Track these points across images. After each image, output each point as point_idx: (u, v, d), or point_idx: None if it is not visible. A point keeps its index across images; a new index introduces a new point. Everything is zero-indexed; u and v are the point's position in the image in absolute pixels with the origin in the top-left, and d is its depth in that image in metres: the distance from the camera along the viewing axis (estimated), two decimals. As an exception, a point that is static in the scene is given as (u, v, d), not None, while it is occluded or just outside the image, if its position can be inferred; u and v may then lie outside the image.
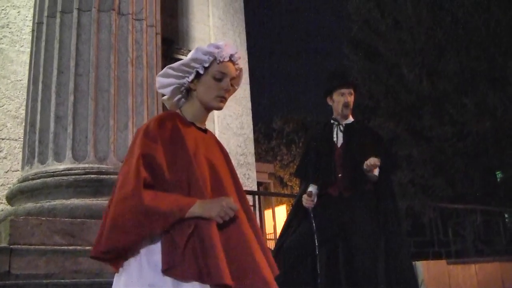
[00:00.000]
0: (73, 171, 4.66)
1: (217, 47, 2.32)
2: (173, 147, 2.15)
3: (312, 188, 4.35)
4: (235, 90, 2.47)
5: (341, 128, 4.53)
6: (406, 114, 17.23)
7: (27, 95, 5.23)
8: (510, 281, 9.11)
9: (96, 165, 4.73)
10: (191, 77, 2.30)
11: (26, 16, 7.25)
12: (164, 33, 6.38)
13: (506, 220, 13.72)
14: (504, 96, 15.19)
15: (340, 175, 4.36)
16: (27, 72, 5.58)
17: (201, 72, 2.30)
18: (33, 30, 5.40)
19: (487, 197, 15.41)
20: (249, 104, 9.53)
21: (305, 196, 4.28)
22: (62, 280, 3.82)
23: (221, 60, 2.31)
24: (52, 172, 4.68)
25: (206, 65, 2.30)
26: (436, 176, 16.24)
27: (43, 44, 5.11)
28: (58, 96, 4.88)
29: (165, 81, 2.34)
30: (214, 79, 2.30)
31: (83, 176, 4.64)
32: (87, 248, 4.08)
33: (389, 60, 17.58)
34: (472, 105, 15.55)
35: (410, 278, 4.26)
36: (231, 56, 2.35)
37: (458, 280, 8.25)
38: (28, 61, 5.64)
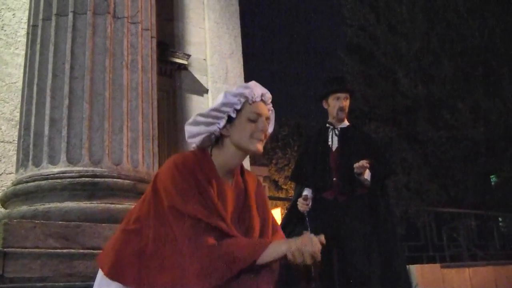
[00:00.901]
0: (67, 174, 4.64)
1: (246, 87, 2.24)
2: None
3: (307, 192, 4.36)
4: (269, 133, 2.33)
5: (336, 132, 4.56)
6: (401, 119, 17.28)
7: (22, 98, 5.21)
8: (503, 285, 9.13)
9: (91, 168, 4.72)
10: (222, 122, 2.19)
11: (21, 19, 7.24)
12: (160, 36, 6.37)
13: (500, 224, 13.76)
14: (499, 101, 15.26)
15: (335, 179, 4.38)
16: (22, 75, 5.57)
17: (233, 115, 2.19)
18: (28, 33, 5.39)
19: (482, 202, 15.46)
20: (244, 108, 9.53)
21: (300, 200, 4.29)
22: (56, 284, 3.81)
23: (254, 100, 2.22)
24: (46, 175, 4.66)
25: (238, 107, 2.20)
26: (431, 180, 16.29)
27: (38, 47, 5.10)
28: (53, 99, 4.87)
29: (195, 130, 2.23)
30: (249, 120, 2.20)
31: (78, 179, 4.63)
32: (82, 251, 4.08)
33: (384, 64, 17.64)
34: (467, 110, 15.61)
35: (404, 282, 4.27)
36: (262, 95, 2.27)
37: (453, 284, 8.27)
38: (23, 63, 5.62)
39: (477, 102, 15.66)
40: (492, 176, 17.30)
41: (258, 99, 2.24)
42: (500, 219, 13.71)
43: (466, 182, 16.17)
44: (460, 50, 16.62)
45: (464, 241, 10.84)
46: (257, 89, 2.25)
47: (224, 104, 2.19)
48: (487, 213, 12.54)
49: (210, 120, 2.20)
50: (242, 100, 2.20)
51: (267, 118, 2.27)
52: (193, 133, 2.24)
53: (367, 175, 4.27)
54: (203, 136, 2.22)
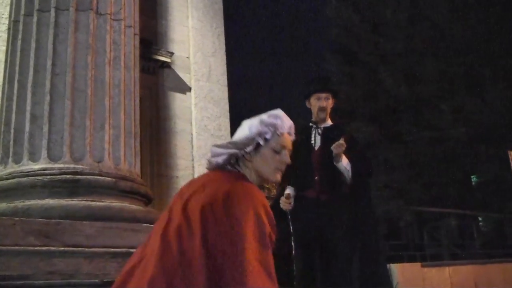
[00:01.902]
0: (48, 171, 4.61)
1: (278, 117, 2.29)
2: None
3: (289, 190, 4.37)
4: None
5: (319, 131, 4.58)
6: (384, 119, 17.38)
7: (2, 94, 5.16)
8: (483, 284, 9.22)
9: (72, 165, 4.69)
10: (250, 148, 2.25)
11: (3, 14, 7.16)
12: (143, 34, 6.35)
13: (480, 224, 13.90)
14: (480, 102, 15.40)
15: (317, 177, 4.39)
16: (2, 71, 5.51)
17: (262, 144, 2.25)
18: (9, 28, 5.34)
19: (463, 201, 15.59)
20: (227, 106, 9.53)
21: (283, 199, 4.29)
22: (36, 282, 3.77)
23: (282, 132, 2.28)
24: (27, 172, 4.63)
25: (268, 137, 2.26)
26: (413, 180, 16.40)
27: (19, 42, 5.06)
28: (34, 95, 4.83)
29: (221, 151, 2.27)
30: (274, 151, 2.27)
31: (59, 176, 4.60)
32: (62, 249, 4.04)
33: (368, 64, 17.72)
34: (449, 111, 15.73)
35: (384, 281, 4.30)
36: (289, 128, 2.34)
37: (433, 283, 8.33)
38: (3, 59, 5.57)
39: (459, 103, 15.79)
40: (473, 176, 17.45)
41: (286, 131, 2.31)
42: (480, 218, 13.85)
43: (448, 182, 16.30)
44: (443, 51, 16.75)
45: (444, 241, 10.92)
46: (286, 121, 2.32)
47: (258, 134, 2.24)
48: (468, 212, 12.66)
49: (241, 146, 2.26)
50: (272, 130, 2.27)
51: (289, 150, 2.34)
52: (218, 153, 2.28)
53: (346, 164, 4.29)
54: (226, 156, 2.27)
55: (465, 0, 16.50)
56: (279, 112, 2.34)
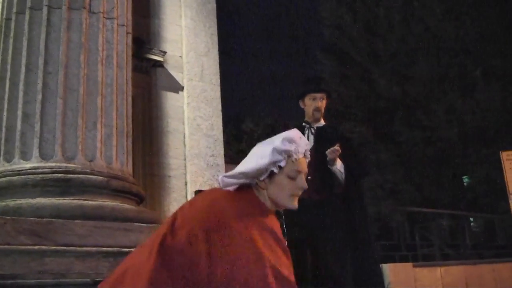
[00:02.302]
0: (40, 170, 4.59)
1: (292, 141, 2.20)
2: None
3: None
4: None
5: (312, 131, 4.58)
6: (377, 119, 17.41)
7: (-6, 92, 5.14)
8: (474, 284, 9.26)
9: (64, 164, 4.67)
10: (263, 177, 2.17)
11: (-5, 12, 7.13)
12: (136, 33, 6.34)
13: (472, 224, 13.95)
14: (472, 102, 15.45)
15: (309, 177, 4.38)
16: (-6, 69, 5.48)
17: (276, 171, 2.17)
18: (0, 26, 5.31)
19: (454, 202, 15.65)
20: (219, 106, 9.51)
21: None
22: (27, 281, 3.76)
23: (297, 158, 2.20)
24: (18, 171, 4.60)
25: (282, 164, 2.17)
26: (405, 180, 16.44)
27: (11, 41, 5.03)
28: (26, 94, 4.81)
29: (232, 181, 2.19)
30: (289, 177, 2.18)
31: (50, 175, 4.57)
32: (53, 248, 4.03)
33: (360, 65, 17.75)
34: (441, 112, 15.78)
35: (376, 281, 4.30)
36: (304, 150, 2.26)
37: (424, 283, 8.35)
38: (-5, 58, 5.54)
39: (451, 104, 15.85)
40: (464, 177, 17.51)
41: (301, 155, 2.23)
42: (471, 219, 13.90)
43: (439, 183, 16.35)
44: (435, 53, 16.81)
45: (436, 241, 10.95)
46: (302, 145, 2.23)
47: (271, 163, 2.15)
48: (459, 213, 12.70)
49: (252, 175, 2.17)
50: (287, 157, 2.18)
51: (305, 173, 2.26)
52: (229, 183, 2.20)
53: (340, 166, 4.30)
54: (236, 186, 2.19)
55: (457, 1, 16.56)
56: (294, 135, 2.25)
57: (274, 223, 2.17)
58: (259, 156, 2.19)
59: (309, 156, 2.30)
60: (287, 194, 2.19)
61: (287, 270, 2.09)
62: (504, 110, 15.19)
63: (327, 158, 4.23)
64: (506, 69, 15.85)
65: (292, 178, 2.18)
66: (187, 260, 1.96)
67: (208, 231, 2.02)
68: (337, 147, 4.18)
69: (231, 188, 2.19)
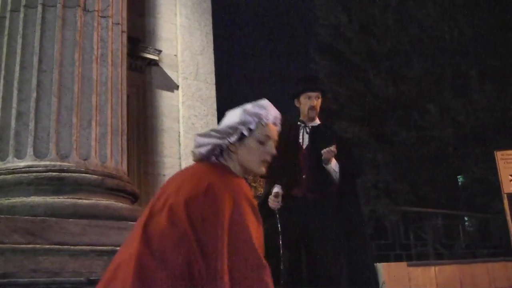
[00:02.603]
0: (34, 169, 4.58)
1: (263, 107, 2.25)
2: None
3: (278, 189, 4.36)
4: None
5: (307, 130, 4.58)
6: (371, 119, 17.43)
7: (-12, 91, 5.12)
8: (467, 283, 9.29)
9: (58, 163, 4.67)
10: (234, 138, 2.19)
11: (-11, 10, 7.10)
12: (131, 31, 6.33)
13: (466, 223, 13.99)
14: (467, 102, 15.49)
15: (304, 176, 4.39)
16: (-12, 67, 5.46)
17: (246, 134, 2.20)
18: (-5, 24, 5.30)
19: (449, 201, 15.68)
20: (214, 105, 9.53)
21: (271, 197, 4.28)
22: (21, 280, 3.75)
23: (267, 122, 2.24)
24: (12, 169, 4.59)
25: (252, 127, 2.21)
26: (400, 180, 16.46)
27: (5, 39, 5.02)
28: (20, 92, 4.80)
29: (205, 141, 2.21)
30: (259, 142, 2.21)
31: (44, 173, 4.57)
32: (47, 246, 4.02)
33: (355, 64, 17.76)
34: (436, 111, 15.81)
35: (371, 280, 4.30)
36: (275, 118, 2.29)
37: (418, 282, 8.37)
38: (-11, 56, 5.52)
39: (446, 103, 15.88)
40: (459, 177, 17.54)
41: (271, 121, 2.26)
42: (466, 218, 13.94)
43: (434, 182, 16.38)
44: (430, 52, 16.83)
45: (430, 240, 10.98)
46: (271, 111, 2.27)
47: (241, 123, 2.19)
48: (454, 212, 12.73)
49: (223, 135, 2.20)
50: (257, 120, 2.21)
51: (275, 141, 2.29)
52: (201, 143, 2.22)
53: (334, 165, 4.30)
54: (210, 146, 2.21)
55: (452, 1, 16.59)
56: (264, 102, 2.29)
57: (248, 189, 2.17)
58: (230, 117, 2.23)
59: (279, 125, 2.33)
60: (257, 159, 2.21)
61: (261, 248, 2.09)
62: (498, 110, 15.22)
63: (322, 158, 4.23)
64: (501, 69, 15.89)
65: (262, 143, 2.21)
66: (170, 241, 1.97)
67: (190, 206, 2.02)
68: (333, 147, 4.18)
69: (203, 151, 2.21)
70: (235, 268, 1.95)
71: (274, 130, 2.29)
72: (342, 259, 4.18)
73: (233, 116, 2.22)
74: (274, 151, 2.26)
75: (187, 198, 2.03)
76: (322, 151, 4.20)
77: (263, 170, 2.26)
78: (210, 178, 2.10)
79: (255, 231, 2.07)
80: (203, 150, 2.21)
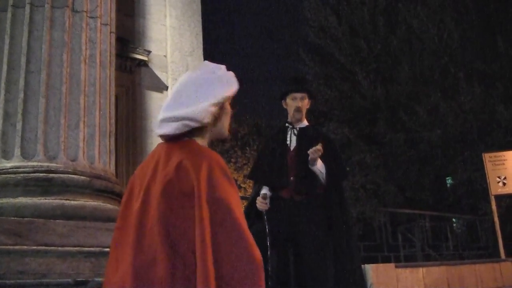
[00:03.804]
0: (21, 169, 4.56)
1: (232, 80, 2.24)
2: None
3: (266, 190, 4.36)
4: None
5: (295, 131, 4.57)
6: (360, 120, 17.47)
7: (-25, 91, 5.09)
8: (455, 285, 9.33)
9: (46, 164, 4.65)
10: (218, 106, 2.17)
11: (-23, 10, 7.07)
12: (120, 32, 6.32)
13: (454, 225, 14.05)
14: (455, 104, 15.57)
15: (292, 178, 4.39)
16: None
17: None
18: (-18, 24, 5.27)
19: (437, 203, 15.75)
20: (204, 106, 9.52)
21: (259, 199, 4.28)
22: (7, 281, 3.73)
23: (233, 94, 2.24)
24: (-1, 170, 4.58)
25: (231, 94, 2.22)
26: (388, 181, 16.51)
27: (-7, 39, 5.00)
28: (8, 92, 4.78)
29: (214, 110, 2.13)
30: (226, 113, 2.22)
31: (32, 174, 4.55)
32: (34, 248, 4.00)
33: (344, 66, 17.80)
34: (424, 113, 15.88)
35: (359, 282, 4.31)
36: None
37: (406, 284, 8.40)
38: (-24, 56, 5.49)
39: (434, 105, 15.95)
40: (447, 178, 17.62)
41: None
42: (454, 220, 14.00)
43: (422, 184, 16.44)
44: (419, 54, 16.92)
45: (418, 242, 11.03)
46: (236, 83, 2.26)
47: (224, 98, 2.16)
48: (442, 214, 12.79)
49: (218, 104, 2.15)
50: (232, 83, 2.22)
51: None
52: (210, 113, 2.12)
53: (320, 166, 4.30)
54: (213, 117, 2.14)
55: (441, 4, 16.69)
56: (230, 73, 2.27)
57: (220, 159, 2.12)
58: (227, 85, 2.19)
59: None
60: (227, 127, 2.23)
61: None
62: (486, 112, 15.33)
63: (309, 158, 4.23)
64: (488, 71, 16.01)
65: (227, 113, 2.23)
66: (162, 234, 1.91)
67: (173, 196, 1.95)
68: (319, 147, 4.18)
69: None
70: (221, 276, 1.84)
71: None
72: (329, 261, 4.18)
73: (229, 84, 2.20)
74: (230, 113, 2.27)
75: (163, 184, 1.97)
76: (309, 151, 4.20)
77: (228, 133, 2.26)
78: (181, 156, 2.02)
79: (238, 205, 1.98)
80: (209, 119, 2.12)
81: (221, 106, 2.17)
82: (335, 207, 4.36)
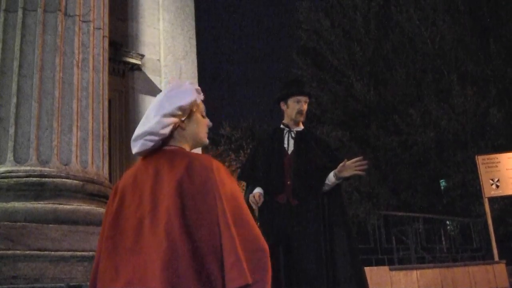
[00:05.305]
0: (14, 174, 4.54)
1: (193, 85, 2.39)
2: None
3: (258, 190, 4.34)
4: None
5: (293, 135, 4.53)
6: (353, 123, 17.51)
7: (-33, 96, 5.08)
8: (449, 287, 9.35)
9: (39, 168, 4.63)
10: (185, 116, 2.31)
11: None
12: (113, 36, 6.31)
13: (448, 227, 14.08)
14: (448, 107, 15.62)
15: (288, 182, 4.36)
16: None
17: (194, 110, 2.34)
18: (-25, 29, 5.26)
19: (431, 205, 15.78)
20: (198, 110, 9.53)
21: (251, 196, 4.26)
22: (0, 286, 3.72)
23: (202, 98, 2.39)
24: (-8, 175, 4.56)
25: (198, 101, 2.35)
26: (382, 184, 16.54)
27: (-15, 43, 4.98)
28: (0, 97, 4.76)
29: (168, 121, 2.27)
30: (202, 116, 2.37)
31: (25, 179, 4.54)
32: (27, 252, 3.99)
33: (337, 69, 17.85)
34: (418, 116, 15.92)
35: (361, 283, 4.27)
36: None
37: (400, 286, 8.41)
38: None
39: (427, 108, 16.00)
40: (441, 181, 17.67)
41: (202, 97, 2.41)
42: (448, 222, 14.03)
43: (416, 186, 16.48)
44: (412, 57, 16.98)
45: (412, 244, 11.04)
46: (199, 89, 2.41)
47: (190, 102, 2.29)
48: (435, 216, 12.82)
49: (179, 112, 2.28)
50: (197, 96, 2.35)
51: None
52: (166, 124, 2.26)
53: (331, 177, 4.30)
54: (172, 126, 2.26)
55: (434, 7, 16.75)
56: (187, 84, 2.41)
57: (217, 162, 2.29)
58: (179, 96, 2.31)
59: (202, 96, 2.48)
60: (204, 130, 2.38)
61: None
62: (479, 114, 15.39)
63: (348, 175, 4.25)
64: (481, 74, 16.08)
65: (203, 116, 2.39)
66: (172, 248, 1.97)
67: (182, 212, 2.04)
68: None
69: (167, 131, 2.26)
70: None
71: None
72: (324, 264, 4.16)
73: (185, 92, 2.32)
74: (210, 122, 2.43)
75: (177, 183, 2.08)
76: (340, 166, 4.20)
77: (207, 140, 2.42)
78: (187, 159, 2.17)
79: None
80: (166, 131, 2.26)
81: (185, 115, 2.30)
82: (335, 211, 4.33)
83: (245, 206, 2.12)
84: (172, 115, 2.26)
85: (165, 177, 2.12)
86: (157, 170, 2.18)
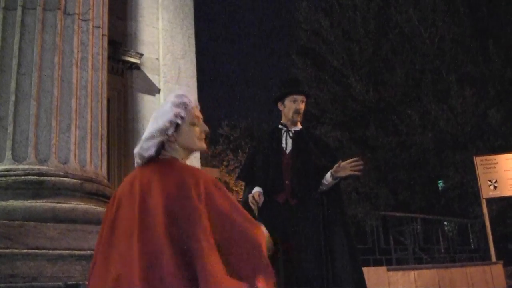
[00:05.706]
0: (12, 172, 4.54)
1: (184, 96, 2.49)
2: None
3: (258, 189, 4.33)
4: None
5: (291, 134, 4.52)
6: (352, 123, 17.51)
7: (-34, 94, 5.07)
8: (446, 287, 9.36)
9: (37, 167, 4.63)
10: (171, 130, 2.40)
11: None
12: (112, 35, 6.30)
13: (446, 228, 14.10)
14: (446, 108, 15.63)
15: (287, 182, 4.35)
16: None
17: (180, 122, 2.42)
18: (-26, 27, 5.25)
19: (429, 206, 15.79)
20: (196, 109, 9.51)
21: (250, 196, 4.26)
22: (-2, 285, 3.72)
23: (192, 106, 2.47)
24: (-10, 173, 4.55)
25: (183, 114, 2.43)
26: (380, 184, 16.54)
27: (-16, 41, 4.97)
28: (-1, 95, 4.76)
29: (150, 143, 2.41)
30: (191, 124, 2.46)
31: (23, 177, 4.53)
32: (25, 251, 3.98)
33: (336, 69, 17.84)
34: (416, 116, 15.92)
35: (360, 281, 4.27)
36: (195, 101, 2.53)
37: (398, 287, 8.42)
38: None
39: (426, 109, 16.01)
40: (439, 181, 17.68)
41: (194, 104, 2.51)
42: (446, 223, 14.05)
43: (414, 187, 16.49)
44: (411, 58, 16.98)
45: (410, 245, 11.06)
46: (191, 97, 2.52)
47: (174, 116, 2.40)
48: (433, 217, 12.83)
49: (163, 131, 2.40)
50: (184, 107, 2.45)
51: (201, 118, 2.55)
52: (148, 146, 2.41)
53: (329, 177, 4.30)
54: (155, 147, 2.40)
55: (433, 8, 16.76)
56: (182, 91, 2.56)
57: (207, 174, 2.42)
58: (160, 117, 2.43)
59: (198, 105, 2.58)
60: (195, 138, 2.48)
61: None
62: (477, 115, 15.40)
63: (345, 175, 4.25)
64: (479, 75, 16.09)
65: (193, 124, 2.47)
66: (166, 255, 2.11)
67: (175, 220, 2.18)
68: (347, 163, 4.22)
69: (152, 152, 2.40)
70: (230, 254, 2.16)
71: (198, 111, 2.54)
72: (323, 264, 4.15)
73: (164, 114, 2.43)
74: (206, 127, 2.54)
75: (166, 198, 2.22)
76: (336, 167, 4.20)
77: (203, 145, 2.54)
78: (177, 174, 2.31)
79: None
80: (151, 151, 2.40)
81: (169, 131, 2.42)
82: (334, 210, 4.33)
83: (236, 215, 2.26)
84: (153, 137, 2.40)
85: (155, 190, 2.26)
86: (149, 180, 2.32)
